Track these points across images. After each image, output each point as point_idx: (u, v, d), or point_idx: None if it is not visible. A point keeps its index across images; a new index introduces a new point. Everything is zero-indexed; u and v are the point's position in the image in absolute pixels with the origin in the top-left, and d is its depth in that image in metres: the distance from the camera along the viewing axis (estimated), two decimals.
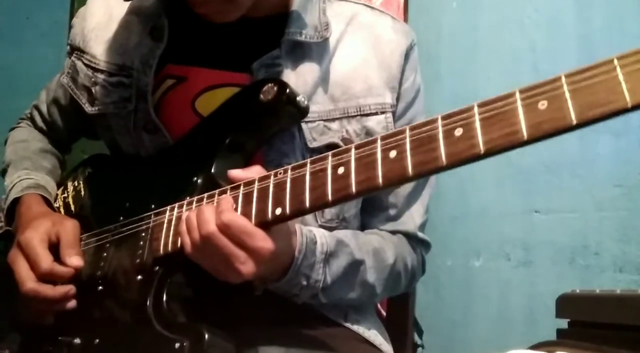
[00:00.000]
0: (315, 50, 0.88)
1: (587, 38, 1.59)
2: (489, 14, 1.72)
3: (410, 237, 0.95)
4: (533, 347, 0.78)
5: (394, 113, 0.91)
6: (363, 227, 0.93)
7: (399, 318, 1.08)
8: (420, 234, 0.96)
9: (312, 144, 0.86)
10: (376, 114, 0.89)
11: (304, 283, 0.78)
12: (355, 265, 0.83)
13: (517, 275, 1.59)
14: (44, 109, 1.07)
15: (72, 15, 2.10)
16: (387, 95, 0.90)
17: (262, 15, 0.89)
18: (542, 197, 1.56)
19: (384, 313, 1.10)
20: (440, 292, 1.67)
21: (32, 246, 0.80)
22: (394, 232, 0.93)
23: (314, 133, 0.86)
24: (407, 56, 0.94)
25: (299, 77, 0.86)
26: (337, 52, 0.90)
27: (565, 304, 0.97)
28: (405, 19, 1.69)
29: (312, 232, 0.79)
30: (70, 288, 0.80)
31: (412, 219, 0.95)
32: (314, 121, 0.85)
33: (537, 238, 1.57)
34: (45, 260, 0.79)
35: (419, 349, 1.58)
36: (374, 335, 0.90)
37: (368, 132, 0.88)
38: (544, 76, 1.75)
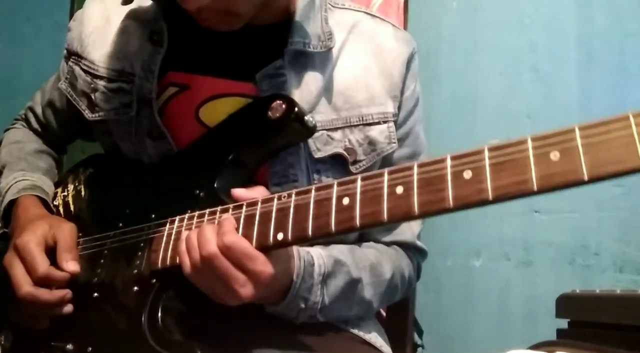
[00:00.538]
0: (318, 60, 0.88)
1: (587, 38, 1.59)
2: (489, 14, 1.72)
3: (409, 247, 0.95)
4: (533, 347, 0.78)
5: (395, 122, 0.91)
6: (361, 235, 0.93)
7: (399, 318, 1.08)
8: (418, 243, 0.97)
9: (317, 154, 0.86)
10: (379, 123, 0.89)
11: (302, 305, 0.78)
12: (353, 284, 0.83)
13: (517, 275, 1.59)
14: (38, 110, 1.07)
15: (72, 16, 2.10)
16: (389, 104, 0.90)
17: (264, 23, 0.88)
18: (542, 197, 1.56)
19: (384, 314, 1.10)
20: (440, 292, 1.67)
21: (29, 249, 0.79)
22: (392, 243, 0.93)
23: (318, 143, 0.85)
24: (408, 65, 0.94)
25: (303, 87, 0.86)
26: (339, 61, 0.89)
27: (565, 304, 0.97)
28: (405, 19, 1.69)
29: (309, 254, 0.79)
30: (66, 293, 0.79)
31: (410, 228, 0.95)
32: (318, 131, 0.85)
33: (537, 238, 1.57)
34: (42, 264, 0.78)
35: (419, 349, 1.58)
36: (375, 337, 0.90)
37: (371, 142, 0.88)
38: (544, 76, 1.76)
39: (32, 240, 0.80)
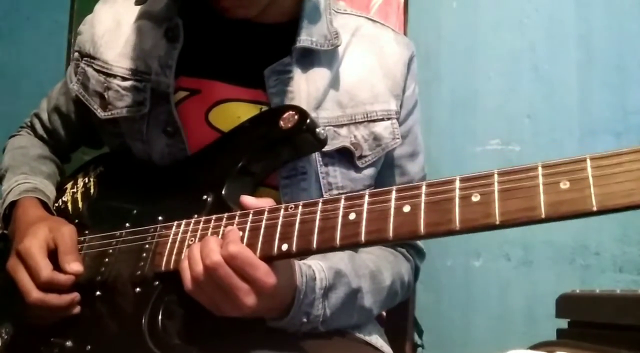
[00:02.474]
0: (324, 58, 0.90)
1: (587, 38, 1.59)
2: (489, 14, 1.72)
3: (409, 247, 0.96)
4: (533, 347, 0.78)
5: (397, 120, 0.94)
6: None
7: (399, 318, 1.08)
8: (418, 243, 0.98)
9: (325, 148, 0.86)
10: (382, 120, 0.91)
11: (305, 320, 0.78)
12: (353, 294, 0.84)
13: (517, 275, 1.59)
14: (44, 117, 1.07)
15: (72, 16, 2.10)
16: (392, 102, 0.93)
17: (271, 22, 0.91)
18: None
19: (384, 314, 1.10)
20: (440, 292, 1.68)
21: (31, 255, 0.79)
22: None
23: None
24: (409, 66, 0.97)
25: (310, 83, 0.88)
26: (344, 62, 0.92)
27: (565, 304, 0.97)
28: (405, 19, 1.69)
29: (310, 268, 0.79)
30: (75, 296, 0.80)
31: None
32: (324, 126, 0.86)
33: (537, 238, 1.57)
34: (45, 269, 0.78)
35: (419, 349, 1.58)
36: (375, 339, 0.91)
37: (376, 137, 0.90)
38: (544, 76, 1.76)
39: (34, 245, 0.80)
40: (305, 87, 0.87)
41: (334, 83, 0.90)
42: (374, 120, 0.91)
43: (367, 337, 0.89)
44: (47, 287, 0.78)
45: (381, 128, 0.91)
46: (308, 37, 0.88)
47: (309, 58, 0.89)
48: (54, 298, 0.78)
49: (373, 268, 0.87)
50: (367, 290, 0.85)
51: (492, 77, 1.69)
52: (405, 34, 1.68)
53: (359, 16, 0.99)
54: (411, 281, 0.96)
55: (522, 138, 1.63)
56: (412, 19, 1.71)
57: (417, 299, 1.13)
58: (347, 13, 0.98)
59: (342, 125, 0.89)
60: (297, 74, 0.87)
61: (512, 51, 1.68)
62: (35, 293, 0.78)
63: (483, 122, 1.69)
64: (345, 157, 0.89)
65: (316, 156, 0.87)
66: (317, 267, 0.80)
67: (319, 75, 0.89)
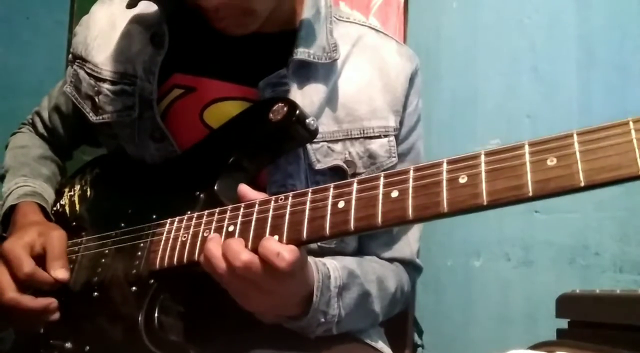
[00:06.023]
0: (321, 71, 0.88)
1: (587, 38, 1.59)
2: (489, 14, 1.72)
3: (407, 264, 0.95)
4: (533, 347, 0.78)
5: (396, 137, 0.91)
6: (360, 248, 0.93)
7: (399, 318, 1.08)
8: (416, 261, 0.97)
9: (317, 166, 0.85)
10: (379, 137, 0.89)
11: (322, 319, 0.77)
12: (365, 296, 0.83)
13: (517, 275, 1.59)
14: (45, 115, 1.07)
15: (72, 16, 2.10)
16: (390, 119, 0.90)
17: (269, 31, 0.89)
18: None
19: None
20: (440, 292, 1.68)
21: (14, 252, 0.78)
22: (392, 259, 0.93)
23: (318, 154, 0.85)
24: (411, 80, 0.94)
25: (305, 98, 0.86)
26: (343, 73, 0.89)
27: (565, 304, 0.97)
28: (405, 19, 1.69)
29: (325, 266, 0.78)
30: (51, 301, 0.78)
31: (408, 245, 0.95)
32: (318, 142, 0.85)
33: (537, 238, 1.58)
34: (28, 264, 0.77)
35: (419, 349, 1.58)
36: (375, 339, 0.91)
37: (371, 155, 0.88)
38: (543, 76, 1.75)
39: (18, 244, 0.79)
40: (300, 101, 0.84)
41: (331, 97, 0.88)
42: (371, 137, 0.88)
43: (366, 338, 0.89)
44: (27, 281, 0.77)
45: (377, 145, 0.88)
46: (306, 49, 0.86)
47: (306, 71, 0.87)
48: (28, 301, 0.77)
49: (379, 275, 0.87)
50: (375, 295, 0.85)
51: (492, 77, 1.70)
52: (405, 34, 1.68)
53: (362, 25, 0.96)
54: (409, 293, 0.96)
55: (522, 138, 1.59)
56: (412, 19, 1.71)
57: (417, 299, 1.13)
58: (349, 21, 0.95)
59: (337, 141, 0.87)
60: (293, 87, 0.85)
61: (512, 51, 1.68)
62: (9, 293, 0.76)
63: (483, 122, 1.69)
64: (338, 175, 0.87)
65: (307, 173, 0.85)
66: (331, 266, 0.79)
67: (315, 90, 0.86)
